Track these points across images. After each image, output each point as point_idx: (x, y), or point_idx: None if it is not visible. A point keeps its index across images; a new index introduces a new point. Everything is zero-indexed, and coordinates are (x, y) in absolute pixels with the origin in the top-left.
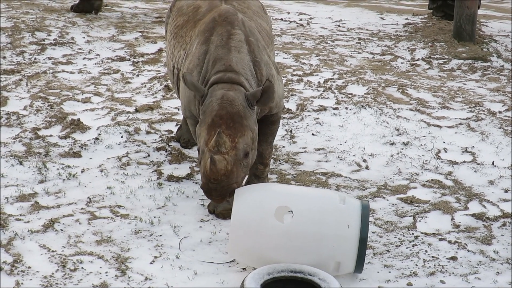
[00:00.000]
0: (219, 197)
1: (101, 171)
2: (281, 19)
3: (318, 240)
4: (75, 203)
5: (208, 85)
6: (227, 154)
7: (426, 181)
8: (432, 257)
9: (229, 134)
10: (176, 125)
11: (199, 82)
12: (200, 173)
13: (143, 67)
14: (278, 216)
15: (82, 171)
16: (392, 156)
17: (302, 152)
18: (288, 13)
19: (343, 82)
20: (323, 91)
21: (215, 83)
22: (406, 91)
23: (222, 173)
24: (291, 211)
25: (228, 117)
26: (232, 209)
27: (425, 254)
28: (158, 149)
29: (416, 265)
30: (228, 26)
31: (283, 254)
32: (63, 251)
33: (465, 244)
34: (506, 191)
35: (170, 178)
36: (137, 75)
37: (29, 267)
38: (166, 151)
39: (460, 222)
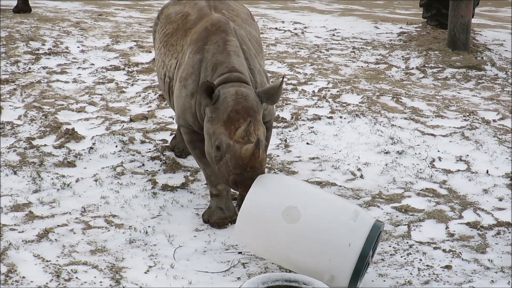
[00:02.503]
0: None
1: (96, 180)
2: (276, 28)
3: (317, 249)
4: (70, 212)
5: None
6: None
7: (421, 190)
8: (427, 265)
9: None
10: (171, 134)
11: (195, 90)
12: (229, 165)
13: (138, 76)
14: (286, 215)
15: (76, 181)
16: (386, 165)
17: (296, 161)
18: (283, 22)
19: (337, 91)
20: (318, 100)
21: (222, 83)
22: (400, 100)
23: (261, 159)
24: (299, 212)
25: (244, 112)
26: (249, 190)
27: (419, 263)
28: (152, 158)
29: (411, 274)
30: (222, 34)
31: (283, 252)
32: (57, 260)
33: (460, 252)
34: (500, 199)
35: (165, 187)
36: (132, 85)
37: (23, 277)
38: (160, 161)
39: (454, 231)
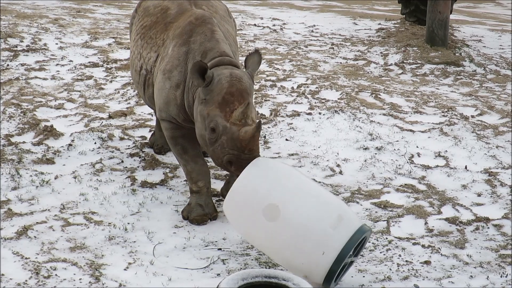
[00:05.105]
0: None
1: (75, 177)
2: (255, 25)
3: (291, 251)
4: (49, 209)
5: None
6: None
7: (400, 186)
8: (406, 261)
9: None
10: (150, 131)
11: (180, 81)
12: (225, 147)
13: (116, 73)
14: (266, 212)
15: (55, 178)
16: (365, 161)
17: (276, 158)
18: (262, 18)
19: (316, 87)
20: (297, 96)
21: (215, 66)
22: (379, 96)
23: (257, 142)
24: (279, 211)
25: (238, 94)
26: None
27: (399, 258)
28: (131, 155)
29: (390, 269)
30: (208, 25)
31: (261, 244)
32: (36, 258)
33: (439, 248)
34: (479, 195)
35: (144, 184)
36: (111, 81)
37: (3, 275)
38: (139, 157)
39: (433, 226)
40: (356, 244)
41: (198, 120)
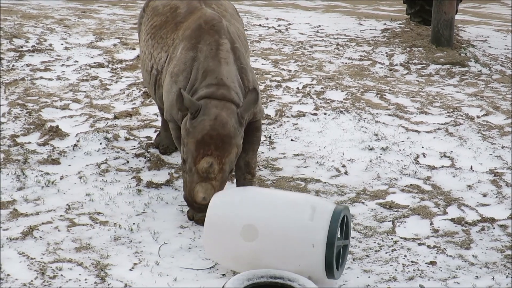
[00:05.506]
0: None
1: (80, 178)
2: (260, 25)
3: (283, 259)
4: (54, 210)
5: (199, 97)
6: (215, 179)
7: (405, 186)
8: (411, 261)
9: (218, 155)
10: (155, 131)
11: (184, 87)
12: (184, 188)
13: (122, 73)
14: (244, 235)
15: (61, 178)
16: (371, 161)
17: (281, 158)
18: (267, 19)
19: (321, 88)
20: (302, 96)
21: (207, 97)
22: (384, 96)
23: (208, 201)
24: (256, 229)
25: (218, 138)
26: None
27: (404, 258)
28: (137, 155)
29: (396, 270)
30: (216, 36)
31: (258, 265)
32: (42, 258)
33: (444, 248)
34: (484, 195)
35: (149, 184)
36: (116, 82)
37: (8, 275)
38: (145, 158)
39: (439, 227)
40: (339, 223)
41: (182, 139)
